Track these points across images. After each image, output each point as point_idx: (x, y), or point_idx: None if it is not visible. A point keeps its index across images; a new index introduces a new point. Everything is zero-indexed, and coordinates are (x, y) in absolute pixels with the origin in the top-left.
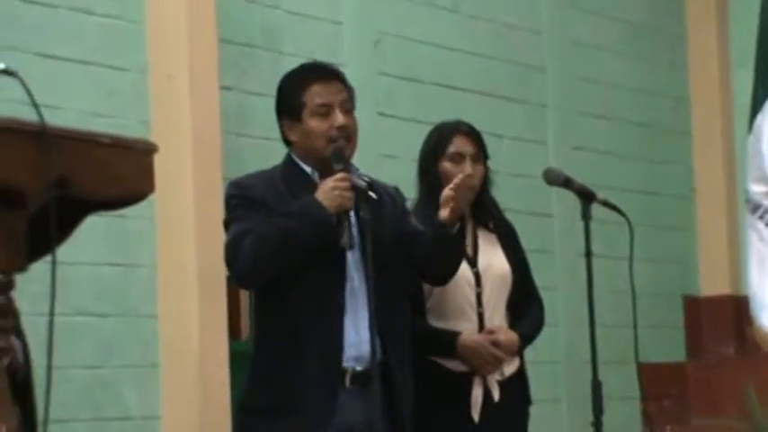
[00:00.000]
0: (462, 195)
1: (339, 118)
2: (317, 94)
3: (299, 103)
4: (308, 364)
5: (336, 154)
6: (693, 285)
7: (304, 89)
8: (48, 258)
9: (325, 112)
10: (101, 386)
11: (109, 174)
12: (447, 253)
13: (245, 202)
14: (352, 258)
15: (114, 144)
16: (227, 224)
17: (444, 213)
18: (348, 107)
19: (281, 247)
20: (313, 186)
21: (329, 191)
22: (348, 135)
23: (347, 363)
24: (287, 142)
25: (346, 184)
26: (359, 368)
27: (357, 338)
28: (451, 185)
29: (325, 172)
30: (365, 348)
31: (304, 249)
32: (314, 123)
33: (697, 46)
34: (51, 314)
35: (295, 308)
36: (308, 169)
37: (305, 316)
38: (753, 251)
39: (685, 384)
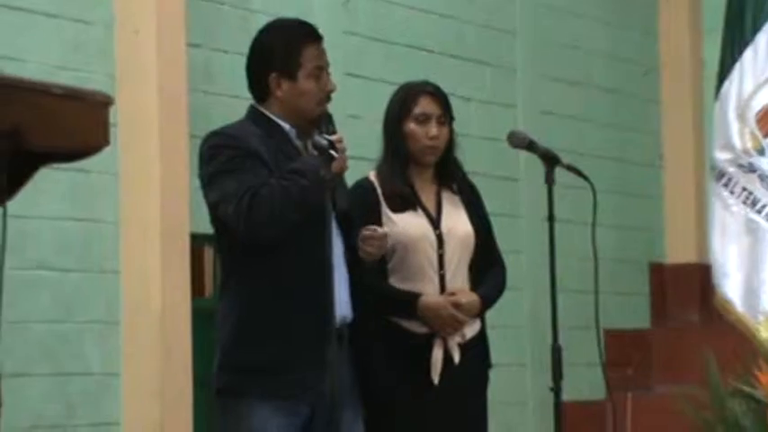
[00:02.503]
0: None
1: (331, 82)
2: (313, 56)
3: (295, 62)
4: (301, 322)
5: (328, 119)
6: (660, 253)
7: (302, 48)
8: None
9: (318, 74)
10: (61, 341)
11: (62, 125)
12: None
13: (241, 153)
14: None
15: (68, 95)
16: (215, 174)
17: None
18: (329, 71)
19: (298, 203)
20: (292, 145)
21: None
22: (330, 99)
23: (331, 322)
24: (261, 95)
25: (344, 146)
26: (339, 327)
27: (339, 298)
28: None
29: (303, 132)
30: (345, 308)
31: (311, 208)
32: (309, 84)
33: (668, 14)
34: (0, 267)
35: (287, 266)
36: (285, 126)
37: (298, 274)
38: (716, 219)
39: (649, 351)
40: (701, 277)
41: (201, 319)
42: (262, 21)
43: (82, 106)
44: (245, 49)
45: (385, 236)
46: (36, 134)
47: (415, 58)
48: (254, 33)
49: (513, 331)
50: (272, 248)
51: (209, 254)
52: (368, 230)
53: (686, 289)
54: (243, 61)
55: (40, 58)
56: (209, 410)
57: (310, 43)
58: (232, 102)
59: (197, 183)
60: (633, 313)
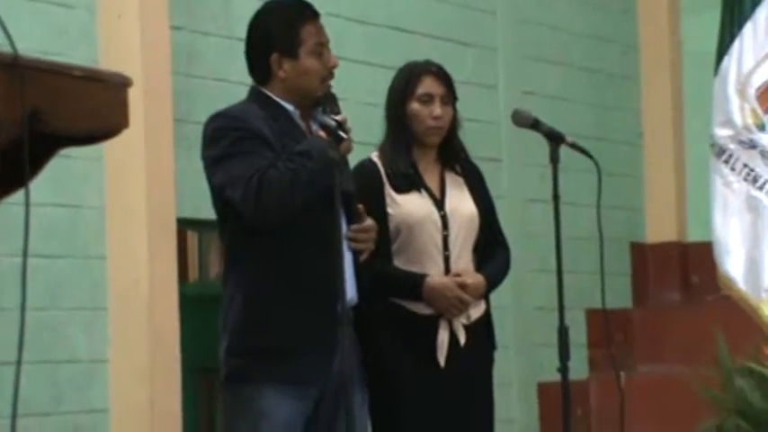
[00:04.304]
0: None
1: (333, 59)
2: (313, 33)
3: (296, 40)
4: (309, 304)
5: (332, 98)
6: (640, 232)
7: (301, 26)
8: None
9: (320, 51)
10: (47, 328)
11: (82, 108)
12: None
13: (246, 135)
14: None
15: (88, 77)
16: (221, 157)
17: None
18: (329, 48)
19: (306, 185)
20: (298, 127)
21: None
22: (333, 76)
23: (341, 304)
24: (263, 77)
25: (350, 126)
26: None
27: (345, 280)
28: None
29: (306, 112)
30: (351, 290)
31: (318, 190)
32: (311, 62)
33: None
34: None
35: (295, 248)
36: (289, 107)
37: (306, 256)
38: (717, 196)
39: (631, 331)
40: (681, 256)
41: (188, 304)
42: (244, 4)
43: (102, 88)
44: (228, 32)
45: (373, 228)
46: (55, 117)
47: (396, 39)
48: (236, 16)
49: (497, 313)
50: (280, 231)
51: (194, 239)
52: (354, 227)
53: (667, 268)
54: (226, 44)
55: (23, 43)
56: (198, 396)
57: (309, 20)
58: (216, 85)
59: (182, 167)
60: (615, 293)
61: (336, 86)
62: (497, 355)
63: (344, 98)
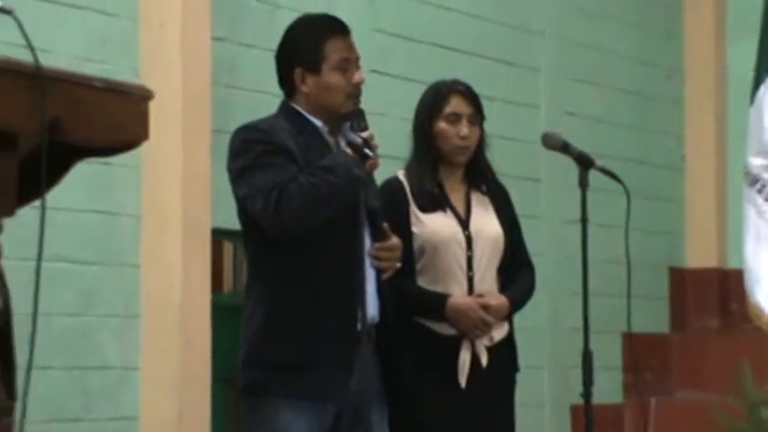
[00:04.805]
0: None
1: (358, 75)
2: (339, 48)
3: (319, 55)
4: (329, 320)
5: (359, 114)
6: (680, 257)
7: (325, 41)
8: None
9: (345, 67)
10: (80, 335)
11: (102, 119)
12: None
13: (271, 148)
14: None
15: (109, 89)
16: (245, 169)
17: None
18: (359, 65)
19: (326, 200)
20: (324, 142)
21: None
22: (361, 92)
23: (363, 321)
24: (290, 91)
25: (376, 143)
26: (367, 326)
27: (368, 297)
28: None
29: (334, 126)
30: (373, 308)
31: (341, 204)
32: (334, 78)
33: (693, 16)
34: (39, 260)
35: (318, 263)
36: (318, 123)
37: (328, 272)
38: (749, 224)
39: (668, 356)
40: (720, 282)
41: (221, 314)
42: (287, 16)
43: (123, 100)
44: (270, 44)
45: (398, 246)
46: (76, 128)
47: (439, 56)
48: (279, 28)
49: (533, 333)
50: (303, 244)
51: (229, 249)
52: (377, 245)
53: (706, 294)
54: (267, 56)
55: (66, 50)
56: (227, 406)
57: (335, 36)
58: (256, 96)
59: (219, 177)
60: (652, 317)
61: (377, 102)
62: (530, 375)
63: (384, 114)
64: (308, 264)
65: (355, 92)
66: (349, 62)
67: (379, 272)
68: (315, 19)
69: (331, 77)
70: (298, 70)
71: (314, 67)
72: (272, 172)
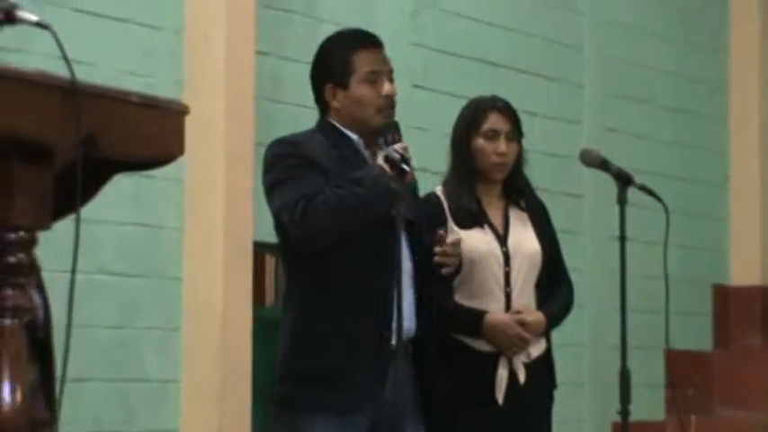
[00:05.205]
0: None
1: (387, 87)
2: (366, 61)
3: (347, 69)
4: (362, 333)
5: (393, 126)
6: (724, 274)
7: (352, 55)
8: (71, 215)
9: (374, 79)
10: (121, 347)
11: (138, 134)
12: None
13: (302, 161)
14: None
15: (144, 104)
16: (276, 183)
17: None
18: (392, 77)
19: (353, 213)
20: (360, 155)
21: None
22: (394, 105)
23: (398, 335)
24: (324, 107)
25: (410, 155)
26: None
27: (404, 312)
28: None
29: (370, 140)
30: (410, 323)
31: (370, 217)
32: (363, 91)
33: (739, 33)
34: (73, 273)
35: (351, 276)
36: (353, 137)
37: (363, 285)
38: None
39: (710, 374)
40: (764, 300)
41: (262, 328)
42: (329, 30)
43: (158, 115)
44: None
45: (457, 242)
46: (111, 142)
47: (481, 71)
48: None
49: (573, 350)
50: (337, 257)
51: (270, 263)
52: (438, 249)
53: (749, 312)
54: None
55: (110, 63)
56: (267, 419)
57: (363, 48)
58: (298, 111)
59: (261, 191)
60: (695, 334)
61: (418, 117)
62: (571, 391)
63: (425, 129)
64: (344, 276)
65: (387, 104)
66: (378, 74)
67: (417, 286)
68: (344, 34)
69: (360, 90)
70: (328, 86)
71: (343, 81)
72: (301, 185)
